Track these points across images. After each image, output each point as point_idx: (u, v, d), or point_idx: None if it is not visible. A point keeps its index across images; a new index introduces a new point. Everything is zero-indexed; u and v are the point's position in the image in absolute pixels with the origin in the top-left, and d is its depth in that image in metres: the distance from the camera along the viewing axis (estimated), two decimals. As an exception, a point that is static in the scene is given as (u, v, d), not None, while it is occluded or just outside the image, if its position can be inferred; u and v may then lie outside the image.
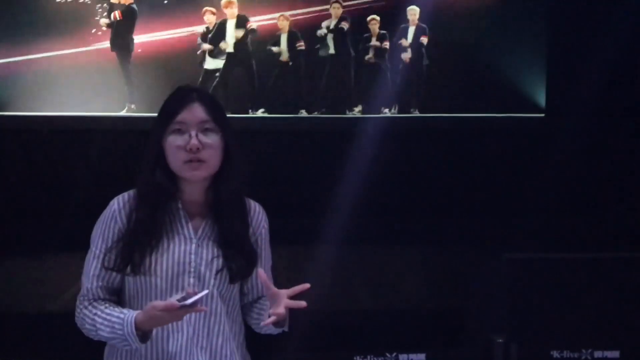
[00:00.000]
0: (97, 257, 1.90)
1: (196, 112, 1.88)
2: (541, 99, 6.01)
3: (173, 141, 1.87)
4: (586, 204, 5.51)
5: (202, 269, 1.89)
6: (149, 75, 5.78)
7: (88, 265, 1.92)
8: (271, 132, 5.80)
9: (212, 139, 1.88)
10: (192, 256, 1.89)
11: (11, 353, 3.90)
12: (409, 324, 4.23)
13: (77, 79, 5.76)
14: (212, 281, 1.89)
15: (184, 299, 1.73)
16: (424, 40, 6.19)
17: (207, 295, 1.86)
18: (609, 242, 4.83)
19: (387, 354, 4.11)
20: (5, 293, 4.35)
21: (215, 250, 1.91)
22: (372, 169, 5.30)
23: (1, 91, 5.73)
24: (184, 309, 1.73)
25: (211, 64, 6.06)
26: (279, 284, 1.98)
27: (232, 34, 6.04)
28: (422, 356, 4.14)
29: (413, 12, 6.17)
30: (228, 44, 6.02)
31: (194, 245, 1.90)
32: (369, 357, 4.10)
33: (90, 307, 1.89)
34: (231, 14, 6.03)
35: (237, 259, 1.90)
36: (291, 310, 1.83)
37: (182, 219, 1.91)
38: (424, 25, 6.21)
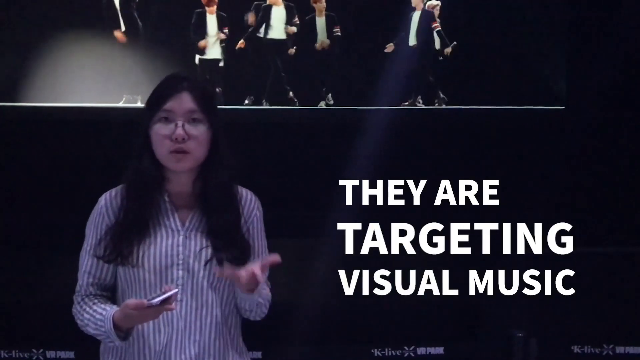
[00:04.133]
0: (88, 253, 1.91)
1: (184, 101, 1.85)
2: (561, 91, 5.93)
3: (159, 130, 1.85)
4: (607, 199, 5.45)
5: (191, 261, 1.87)
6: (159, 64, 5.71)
7: (80, 262, 1.93)
8: (280, 124, 5.76)
9: (199, 130, 1.85)
10: (180, 248, 1.87)
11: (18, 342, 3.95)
12: (428, 317, 4.20)
13: (90, 68, 5.75)
14: (201, 273, 1.87)
15: (158, 296, 1.71)
16: (435, 26, 5.95)
17: (198, 287, 1.86)
18: (630, 237, 4.77)
19: (405, 348, 4.09)
20: (15, 286, 4.38)
21: (204, 241, 1.88)
22: (386, 162, 5.25)
23: (13, 80, 5.73)
24: (154, 308, 1.71)
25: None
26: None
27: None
28: (441, 350, 4.12)
29: None
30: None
31: (181, 237, 1.88)
32: (387, 350, 4.08)
33: (82, 303, 1.90)
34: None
35: (226, 250, 1.87)
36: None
37: (168, 211, 1.89)
38: (431, 11, 5.88)
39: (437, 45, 5.99)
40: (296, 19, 5.85)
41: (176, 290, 1.73)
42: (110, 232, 1.86)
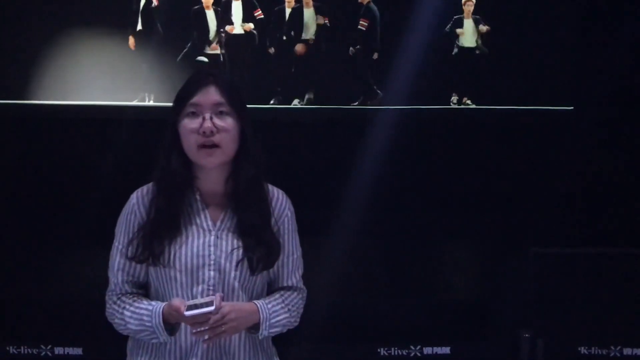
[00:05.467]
0: (120, 252, 1.89)
1: (211, 94, 1.84)
2: (570, 92, 5.89)
3: (187, 124, 1.84)
4: (616, 199, 5.43)
5: (222, 261, 1.86)
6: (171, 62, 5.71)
7: (112, 260, 1.92)
8: (287, 123, 5.75)
9: (227, 123, 1.84)
10: (212, 248, 1.86)
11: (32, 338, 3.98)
12: (434, 317, 4.20)
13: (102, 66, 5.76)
14: (232, 273, 1.86)
15: (196, 307, 1.73)
16: (362, 24, 5.72)
17: (229, 288, 1.85)
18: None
19: (412, 347, 4.09)
20: (23, 282, 4.41)
21: (235, 241, 1.87)
22: (396, 162, 5.25)
23: (23, 78, 5.75)
24: (189, 318, 1.73)
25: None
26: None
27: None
28: (447, 349, 4.12)
29: None
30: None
31: (212, 237, 1.87)
32: (393, 349, 4.08)
33: (118, 302, 1.89)
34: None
35: (257, 249, 1.86)
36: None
37: (200, 210, 1.88)
38: (369, 6, 5.75)
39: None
40: (258, 11, 5.68)
41: (213, 308, 1.74)
42: (142, 231, 1.86)
